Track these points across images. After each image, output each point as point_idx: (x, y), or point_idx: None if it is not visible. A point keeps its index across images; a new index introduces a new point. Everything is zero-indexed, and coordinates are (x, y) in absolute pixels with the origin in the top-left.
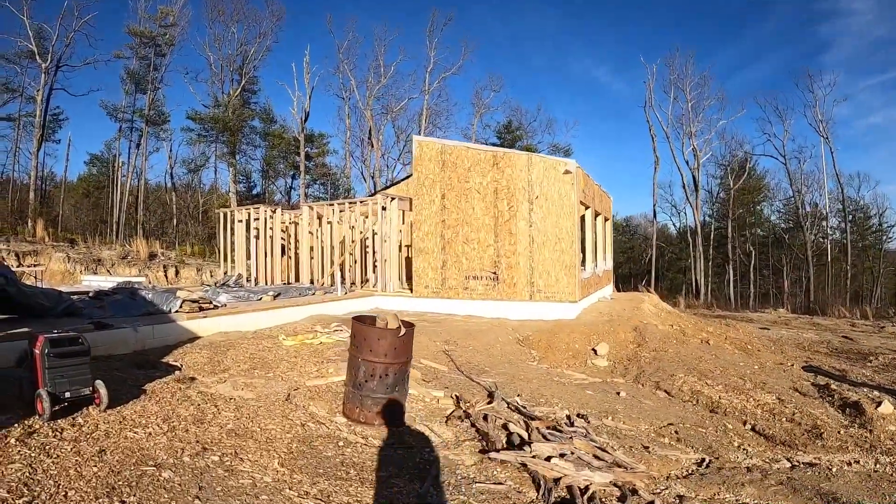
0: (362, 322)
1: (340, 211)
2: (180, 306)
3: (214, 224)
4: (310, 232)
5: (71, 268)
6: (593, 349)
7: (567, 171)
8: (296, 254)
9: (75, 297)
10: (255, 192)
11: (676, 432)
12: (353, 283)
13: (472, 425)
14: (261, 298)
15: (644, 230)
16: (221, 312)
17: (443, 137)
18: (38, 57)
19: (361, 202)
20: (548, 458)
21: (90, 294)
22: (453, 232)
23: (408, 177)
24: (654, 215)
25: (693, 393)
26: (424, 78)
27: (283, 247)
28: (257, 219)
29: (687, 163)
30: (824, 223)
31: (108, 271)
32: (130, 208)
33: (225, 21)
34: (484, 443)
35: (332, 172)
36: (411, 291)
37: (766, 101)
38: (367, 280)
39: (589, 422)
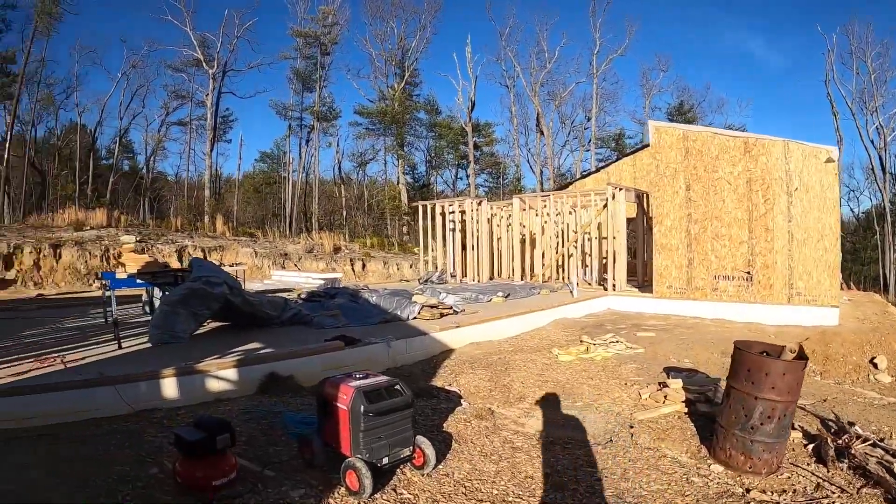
0: (751, 350)
1: (558, 202)
2: (419, 312)
3: (382, 216)
4: (522, 225)
5: (258, 262)
6: (871, 362)
7: (830, 160)
8: (495, 247)
9: (281, 294)
10: (421, 183)
11: None
12: (556, 280)
13: (855, 468)
14: (490, 300)
15: None
16: (472, 321)
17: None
18: (204, 64)
19: (583, 194)
20: None
21: (302, 296)
22: (700, 227)
23: (604, 165)
24: (840, 202)
25: None
26: (591, 60)
27: (461, 239)
28: (453, 211)
29: (872, 142)
30: None
31: (296, 266)
32: (301, 202)
33: (384, 16)
34: None
35: (499, 162)
36: (639, 290)
37: None
38: (563, 277)
39: None
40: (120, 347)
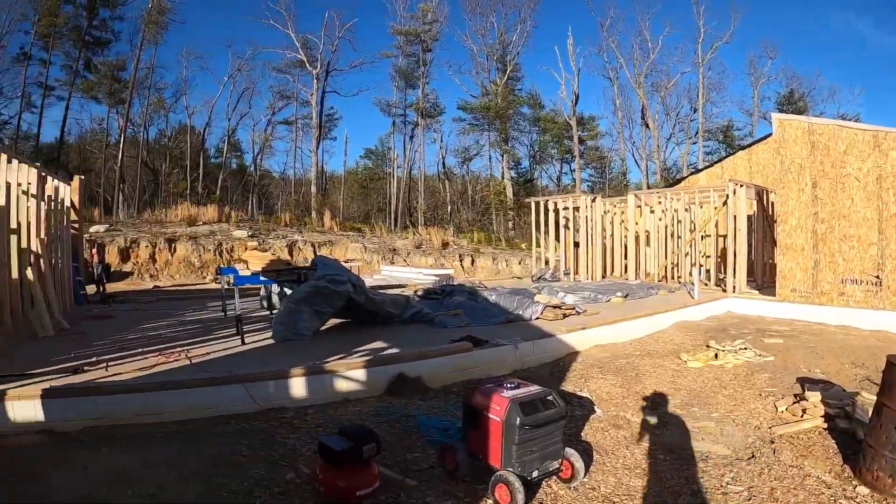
0: None
1: (674, 198)
2: (542, 312)
3: (486, 211)
4: (635, 222)
5: (368, 258)
6: None
7: None
8: (607, 245)
9: (393, 291)
10: (526, 178)
11: None
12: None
13: None
14: (609, 300)
15: None
16: (596, 322)
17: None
18: (307, 65)
19: (701, 190)
20: None
21: (418, 293)
22: (827, 227)
23: (717, 160)
24: None
25: None
26: (695, 49)
27: (573, 236)
28: (567, 207)
29: None
30: None
31: (405, 261)
32: (405, 198)
33: (483, 11)
34: None
35: (604, 156)
36: (759, 292)
37: None
38: (677, 276)
39: None
40: (243, 343)
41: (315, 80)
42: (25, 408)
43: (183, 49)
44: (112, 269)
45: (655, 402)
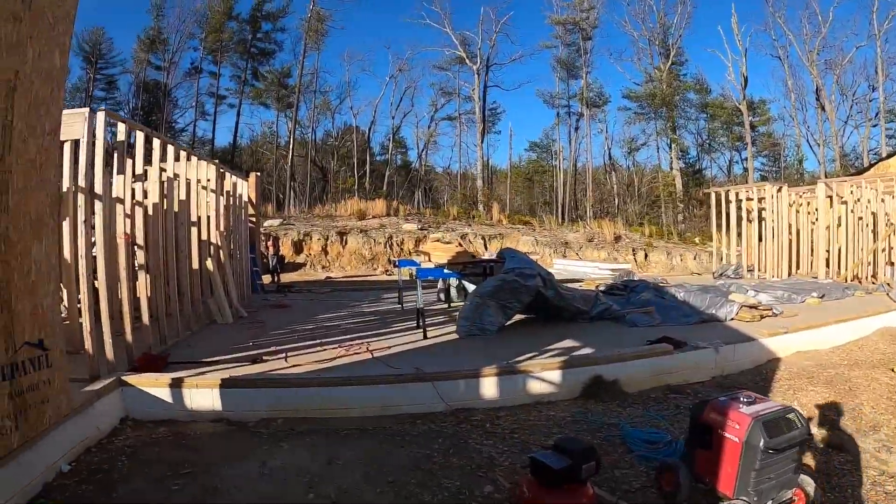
0: None
1: (869, 188)
2: (737, 313)
3: (655, 203)
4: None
5: (539, 251)
6: None
7: None
8: (792, 239)
9: (571, 285)
10: (695, 168)
11: None
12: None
13: None
14: (804, 300)
15: None
16: (797, 325)
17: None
18: (467, 61)
19: None
20: None
21: (601, 289)
22: None
23: None
24: None
25: None
26: (870, 20)
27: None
28: (749, 198)
29: None
30: None
31: (577, 255)
32: (572, 190)
33: None
34: None
35: (777, 143)
36: None
37: None
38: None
39: None
40: (425, 337)
41: (476, 76)
42: (203, 396)
43: (345, 52)
44: (286, 261)
45: (874, 423)
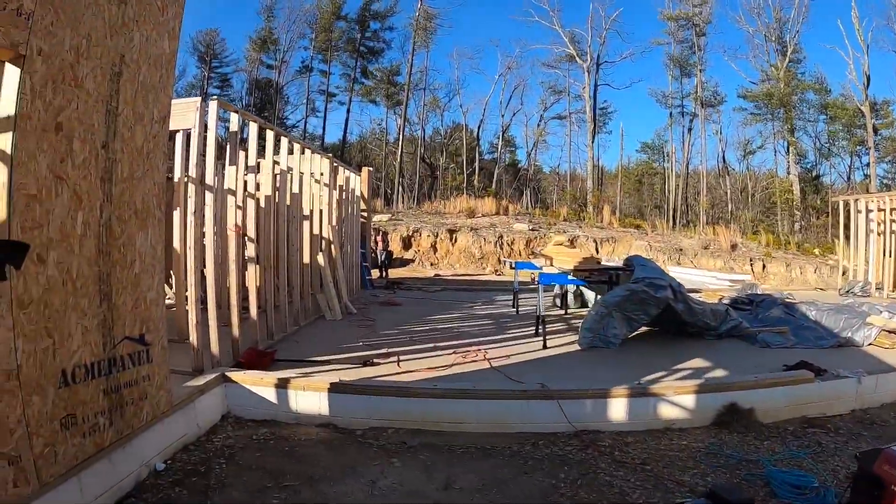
0: None
1: None
2: (875, 337)
3: (770, 210)
4: None
5: (652, 257)
6: None
7: None
8: None
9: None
10: (814, 174)
11: None
12: None
13: None
14: None
15: None
16: None
17: None
18: (577, 59)
19: None
20: None
21: (724, 302)
22: None
23: None
24: None
25: None
26: None
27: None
28: (882, 209)
29: None
30: None
31: (692, 262)
32: (683, 193)
33: None
34: None
35: None
36: None
37: None
38: None
39: None
40: (545, 347)
41: (586, 74)
42: (310, 399)
43: (453, 51)
44: (394, 256)
45: None
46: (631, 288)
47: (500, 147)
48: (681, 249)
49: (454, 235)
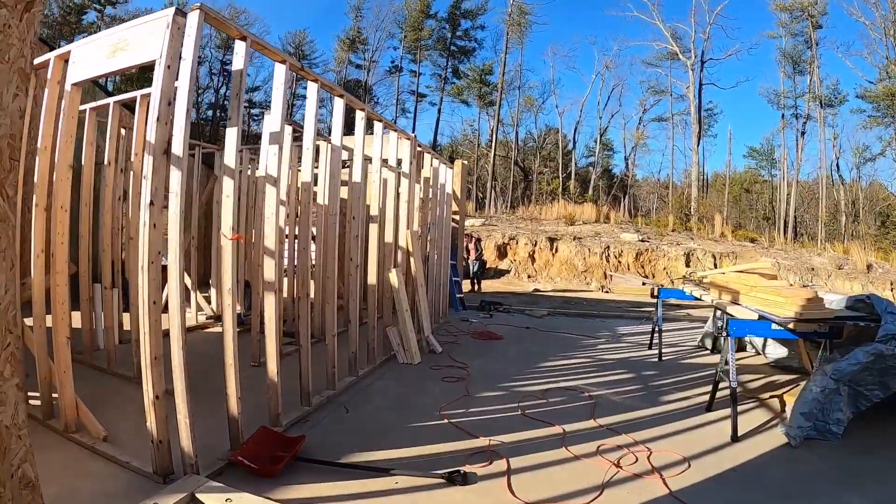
0: None
1: None
2: None
3: (884, 223)
4: None
5: (783, 277)
6: None
7: None
8: None
9: None
10: None
11: None
12: None
13: None
14: None
15: None
16: None
17: None
18: (680, 56)
19: None
20: None
21: None
22: None
23: None
24: None
25: None
26: None
27: None
28: None
29: None
30: None
31: (826, 284)
32: (797, 203)
33: None
34: None
35: None
36: None
37: None
38: None
39: None
40: (735, 440)
41: (690, 72)
42: None
43: (547, 49)
44: (487, 266)
45: None
46: (878, 350)
47: (597, 151)
48: (812, 269)
49: (555, 244)
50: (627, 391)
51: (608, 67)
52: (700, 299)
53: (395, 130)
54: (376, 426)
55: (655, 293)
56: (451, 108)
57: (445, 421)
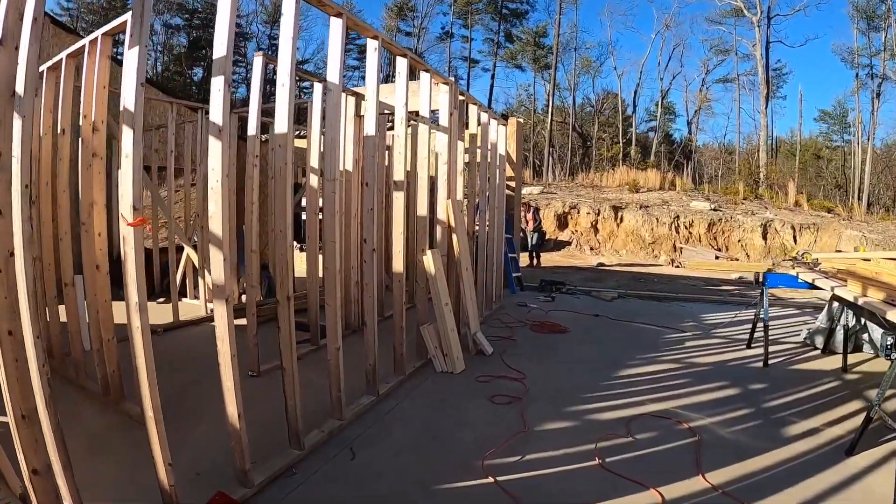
0: None
1: None
2: None
3: None
4: None
5: (873, 251)
6: None
7: None
8: None
9: None
10: None
11: None
12: None
13: None
14: None
15: None
16: None
17: None
18: (744, 12)
19: None
20: None
21: None
22: None
23: None
24: None
25: None
26: None
27: None
28: None
29: None
30: None
31: None
32: (875, 171)
33: None
34: None
35: None
36: None
37: None
38: None
39: None
40: None
41: (756, 29)
42: None
43: (604, 8)
44: (546, 237)
45: None
46: None
47: (658, 115)
48: None
49: (619, 213)
50: (736, 418)
51: (668, 26)
52: (817, 287)
53: (429, 71)
54: (390, 485)
55: (761, 279)
56: (505, 74)
57: (490, 480)
